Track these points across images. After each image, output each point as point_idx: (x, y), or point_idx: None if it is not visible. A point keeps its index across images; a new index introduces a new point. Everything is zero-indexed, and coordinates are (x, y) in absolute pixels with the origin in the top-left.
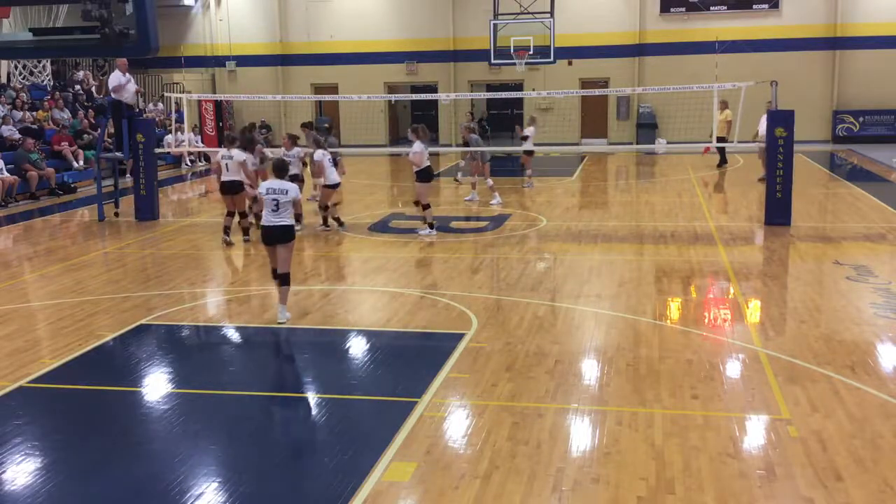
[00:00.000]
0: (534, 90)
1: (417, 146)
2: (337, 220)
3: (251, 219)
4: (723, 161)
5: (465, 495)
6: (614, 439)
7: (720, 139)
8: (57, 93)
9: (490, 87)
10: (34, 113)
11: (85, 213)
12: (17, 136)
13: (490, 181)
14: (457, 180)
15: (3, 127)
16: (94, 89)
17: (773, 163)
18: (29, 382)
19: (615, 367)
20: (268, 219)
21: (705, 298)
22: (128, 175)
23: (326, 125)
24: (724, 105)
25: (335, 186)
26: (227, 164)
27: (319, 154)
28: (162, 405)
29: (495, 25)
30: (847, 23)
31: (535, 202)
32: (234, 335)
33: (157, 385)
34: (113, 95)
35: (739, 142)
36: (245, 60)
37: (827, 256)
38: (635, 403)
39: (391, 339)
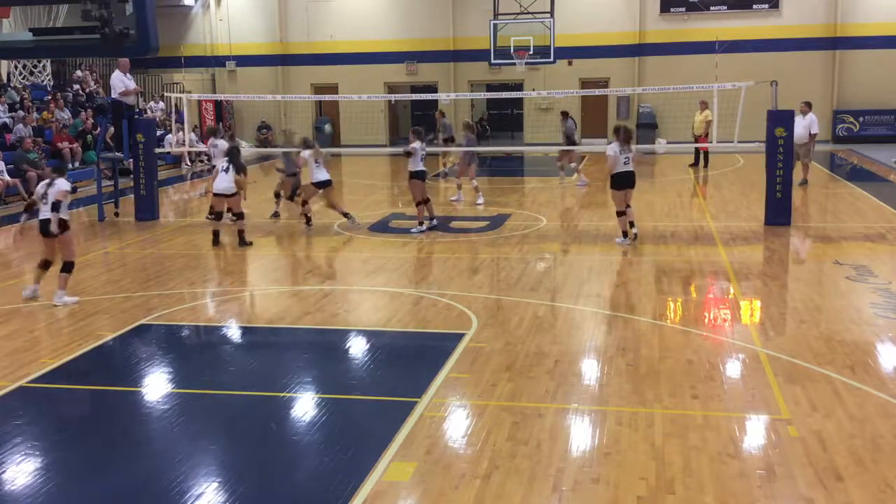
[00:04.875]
0: (534, 90)
1: (609, 148)
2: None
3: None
4: (696, 162)
5: (465, 495)
6: (614, 439)
7: (699, 139)
8: (57, 93)
9: (490, 87)
10: (40, 114)
11: (85, 214)
12: (17, 135)
13: (475, 182)
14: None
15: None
16: (93, 91)
17: (773, 163)
18: (29, 382)
19: (615, 367)
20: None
21: (705, 298)
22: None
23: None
24: (703, 105)
25: (320, 185)
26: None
27: (307, 153)
28: (162, 405)
29: (495, 25)
30: (847, 23)
31: (536, 202)
32: (234, 335)
33: (157, 385)
34: (115, 96)
35: (740, 142)
36: (245, 60)
37: (827, 256)
38: (635, 403)
39: (391, 339)
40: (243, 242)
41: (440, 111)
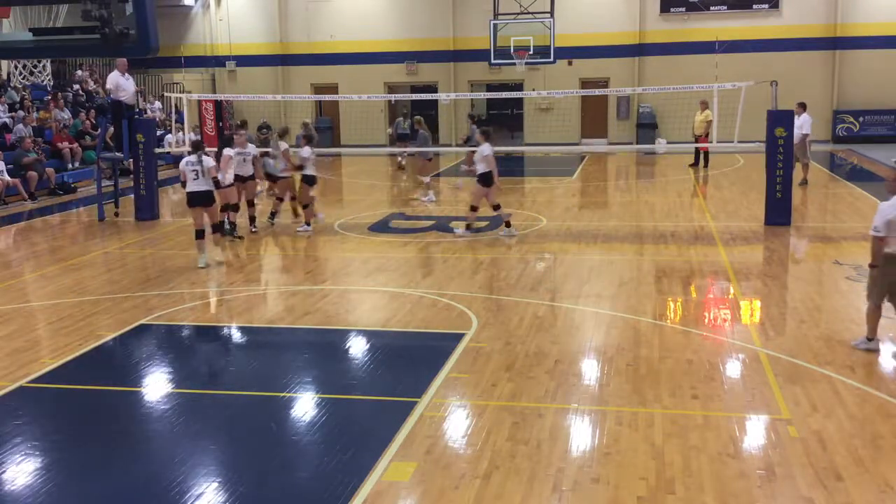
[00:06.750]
0: (534, 90)
1: (486, 148)
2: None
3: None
4: (697, 162)
5: (465, 495)
6: (614, 439)
7: (699, 139)
8: (57, 93)
9: (490, 87)
10: (38, 114)
11: (85, 213)
12: (17, 135)
13: (427, 178)
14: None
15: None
16: (94, 90)
17: (773, 163)
18: (29, 382)
19: (615, 367)
20: None
21: (705, 298)
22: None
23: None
24: (703, 105)
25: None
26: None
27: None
28: (162, 405)
29: (495, 25)
30: (847, 23)
31: (536, 202)
32: (234, 335)
33: (157, 385)
34: (113, 96)
35: (740, 142)
36: (245, 60)
37: (827, 256)
38: (635, 403)
39: (391, 339)
40: (223, 230)
41: (403, 113)
